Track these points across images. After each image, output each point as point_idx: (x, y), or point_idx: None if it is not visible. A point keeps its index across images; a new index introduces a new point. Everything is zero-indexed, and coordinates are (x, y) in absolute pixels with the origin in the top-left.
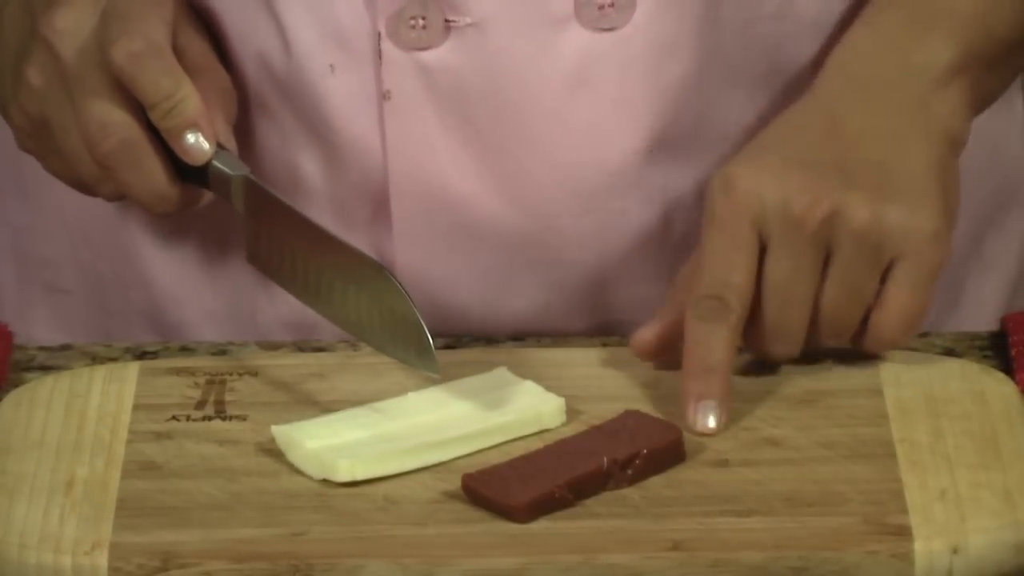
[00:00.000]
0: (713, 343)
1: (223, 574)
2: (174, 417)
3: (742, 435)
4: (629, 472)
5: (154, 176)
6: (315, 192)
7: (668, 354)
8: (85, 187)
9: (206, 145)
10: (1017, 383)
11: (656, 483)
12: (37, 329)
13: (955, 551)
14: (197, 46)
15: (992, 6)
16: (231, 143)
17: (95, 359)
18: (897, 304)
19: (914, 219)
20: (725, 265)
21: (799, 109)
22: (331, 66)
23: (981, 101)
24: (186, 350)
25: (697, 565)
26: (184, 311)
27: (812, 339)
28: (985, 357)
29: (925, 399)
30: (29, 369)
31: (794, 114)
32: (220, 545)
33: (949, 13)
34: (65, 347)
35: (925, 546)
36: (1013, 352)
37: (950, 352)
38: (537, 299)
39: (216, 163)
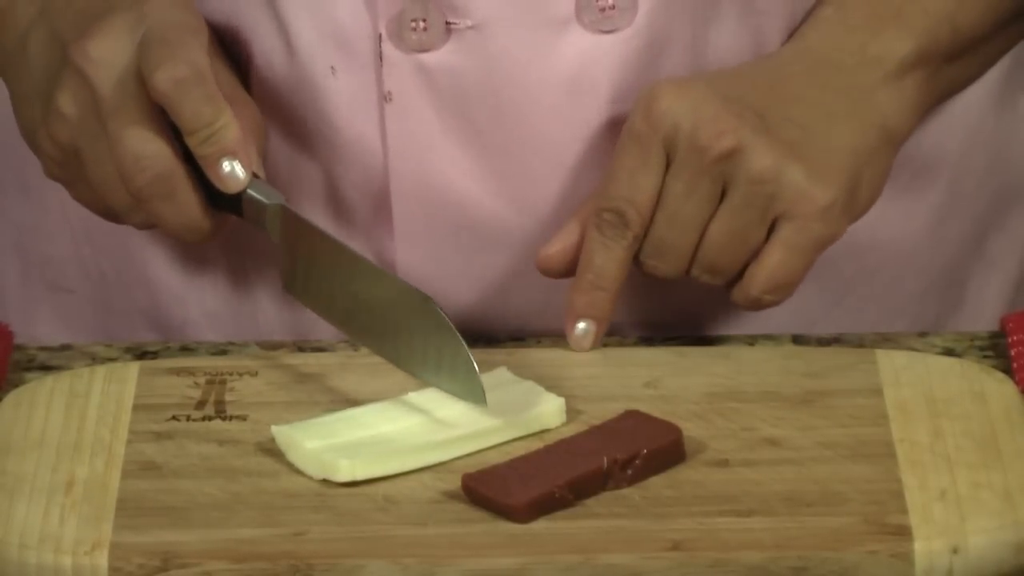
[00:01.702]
0: (607, 262)
1: (223, 574)
2: (174, 417)
3: (742, 435)
4: (629, 472)
5: (189, 208)
6: (315, 192)
7: (572, 271)
8: (114, 216)
9: (242, 173)
10: (1017, 383)
11: (656, 483)
12: (40, 328)
13: (955, 551)
14: (227, 76)
15: (960, 3)
16: (262, 172)
17: (95, 359)
18: (771, 260)
19: (813, 186)
20: (631, 181)
21: (751, 63)
22: (332, 68)
23: (940, 94)
24: (186, 350)
25: (697, 565)
26: (187, 311)
27: (693, 270)
28: (985, 357)
29: (925, 399)
30: (29, 369)
31: (745, 65)
32: (220, 545)
33: (915, 6)
34: (65, 347)
35: (925, 546)
36: (1013, 352)
37: (950, 352)
38: (537, 299)
39: (251, 191)
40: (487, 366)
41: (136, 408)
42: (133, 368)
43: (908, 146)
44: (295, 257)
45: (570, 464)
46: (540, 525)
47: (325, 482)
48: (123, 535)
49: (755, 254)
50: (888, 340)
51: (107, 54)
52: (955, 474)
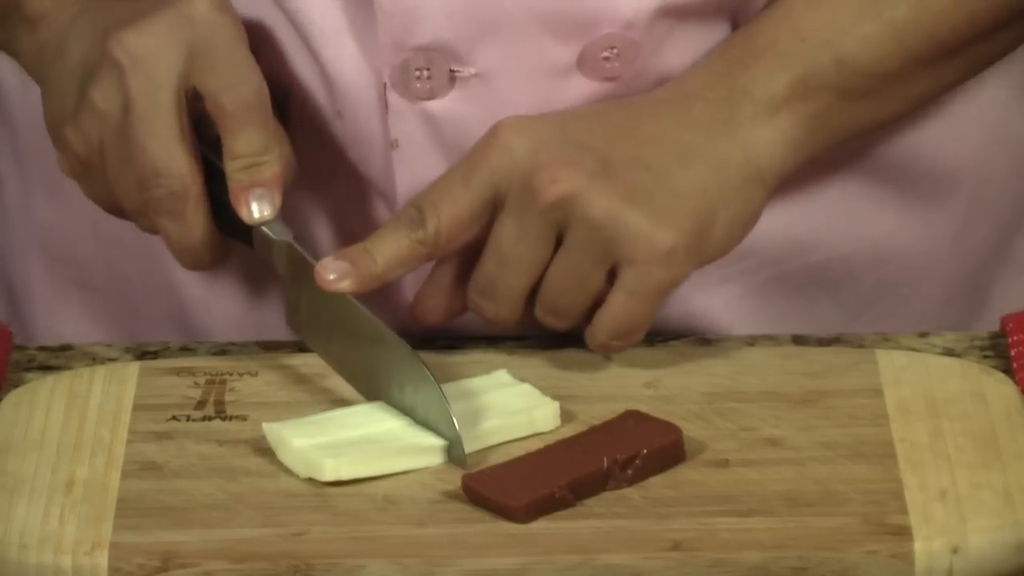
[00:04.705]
0: (385, 244)
1: (223, 574)
2: (174, 417)
3: (742, 435)
4: (629, 472)
5: (194, 232)
6: (325, 227)
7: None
8: (121, 214)
9: (268, 210)
10: (1017, 383)
11: (656, 483)
12: (66, 324)
13: (955, 551)
14: (244, 102)
15: (844, 32)
16: (277, 199)
17: (95, 359)
18: (614, 306)
19: (654, 231)
20: (444, 190)
21: (617, 102)
22: (339, 111)
23: (840, 131)
24: (186, 350)
25: (697, 565)
26: (211, 317)
27: (536, 311)
28: (985, 357)
29: (925, 399)
30: (29, 369)
31: (609, 104)
32: (220, 545)
33: (790, 38)
34: (65, 347)
35: (925, 546)
36: (1013, 352)
37: (950, 352)
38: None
39: (263, 226)
40: (487, 367)
41: (136, 408)
42: (133, 368)
43: (924, 157)
44: (298, 294)
45: (570, 464)
46: (540, 525)
47: (325, 483)
48: (123, 535)
49: (598, 298)
50: (888, 340)
51: (146, 51)
52: (955, 474)
